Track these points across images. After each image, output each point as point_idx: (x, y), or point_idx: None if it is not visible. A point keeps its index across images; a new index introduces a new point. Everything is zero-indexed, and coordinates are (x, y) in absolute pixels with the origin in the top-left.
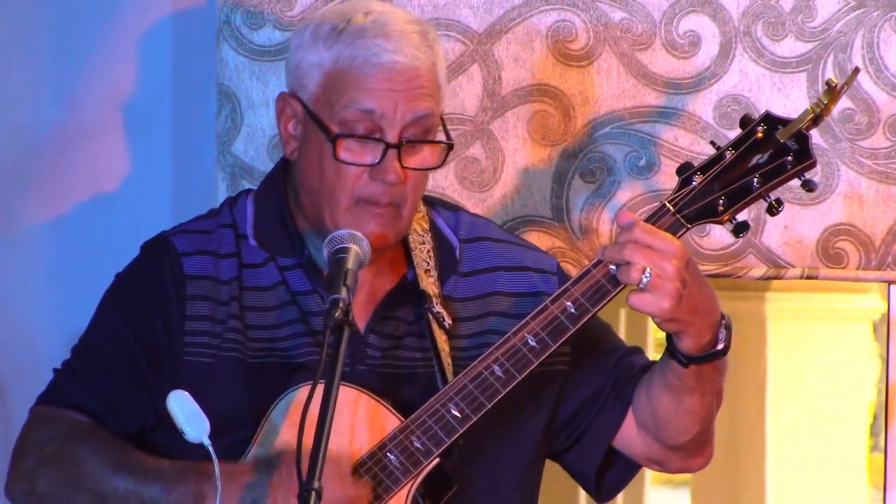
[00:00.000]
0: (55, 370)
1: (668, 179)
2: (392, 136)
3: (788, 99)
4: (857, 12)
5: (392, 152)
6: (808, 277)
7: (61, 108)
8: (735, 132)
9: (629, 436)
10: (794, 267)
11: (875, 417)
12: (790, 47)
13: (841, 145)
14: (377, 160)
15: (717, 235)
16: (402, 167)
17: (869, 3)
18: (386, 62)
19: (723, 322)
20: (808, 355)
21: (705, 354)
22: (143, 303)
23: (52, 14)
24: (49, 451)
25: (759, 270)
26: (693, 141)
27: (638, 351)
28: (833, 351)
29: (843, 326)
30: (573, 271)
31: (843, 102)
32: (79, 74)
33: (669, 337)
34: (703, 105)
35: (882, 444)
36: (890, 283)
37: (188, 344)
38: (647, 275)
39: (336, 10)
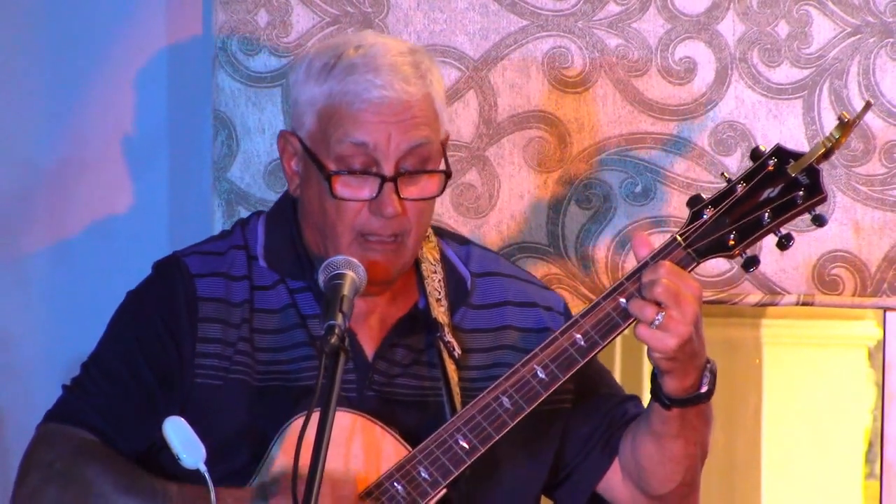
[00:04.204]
0: (64, 386)
1: (664, 206)
2: (388, 169)
3: (784, 125)
4: (853, 39)
5: (389, 185)
6: (804, 304)
7: (59, 135)
8: (730, 158)
9: (614, 484)
10: (789, 294)
11: (870, 444)
12: (786, 73)
13: (837, 171)
14: (374, 194)
15: (713, 262)
16: (401, 199)
17: (864, 29)
18: (375, 97)
19: (708, 366)
20: (803, 382)
21: (688, 397)
22: (155, 323)
23: (49, 43)
24: (57, 469)
25: (755, 297)
26: (689, 167)
27: (634, 398)
28: (828, 378)
29: (838, 353)
30: (569, 298)
31: None
32: (76, 102)
33: (654, 379)
34: (699, 131)
35: (877, 472)
36: (886, 309)
37: (199, 366)
38: (661, 316)
39: (328, 46)
